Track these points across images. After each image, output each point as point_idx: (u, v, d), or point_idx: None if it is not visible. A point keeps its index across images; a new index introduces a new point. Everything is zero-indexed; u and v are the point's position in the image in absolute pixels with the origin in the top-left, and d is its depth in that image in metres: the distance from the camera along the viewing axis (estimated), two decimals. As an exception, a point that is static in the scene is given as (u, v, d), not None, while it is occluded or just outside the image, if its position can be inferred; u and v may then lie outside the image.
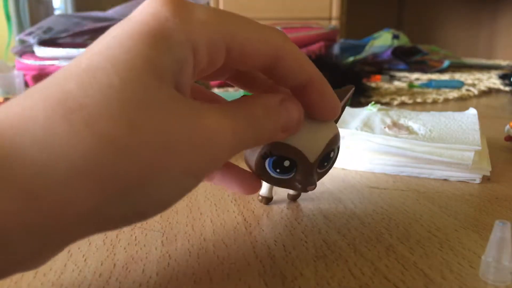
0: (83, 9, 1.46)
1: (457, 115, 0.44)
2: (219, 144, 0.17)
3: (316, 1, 1.54)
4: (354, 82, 0.67)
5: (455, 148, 0.34)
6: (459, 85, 0.92)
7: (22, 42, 0.96)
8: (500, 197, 0.31)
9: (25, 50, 0.90)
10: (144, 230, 0.25)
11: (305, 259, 0.22)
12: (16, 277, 0.20)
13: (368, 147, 0.36)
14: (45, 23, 0.90)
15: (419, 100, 0.77)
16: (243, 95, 0.21)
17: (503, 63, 1.53)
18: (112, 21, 0.90)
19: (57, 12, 1.97)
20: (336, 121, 0.25)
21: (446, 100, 0.79)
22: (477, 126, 0.39)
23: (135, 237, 0.25)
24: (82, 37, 0.93)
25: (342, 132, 0.38)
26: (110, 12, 0.93)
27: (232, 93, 0.78)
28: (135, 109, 0.14)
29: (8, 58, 1.19)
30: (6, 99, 0.60)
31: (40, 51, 0.85)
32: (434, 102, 0.77)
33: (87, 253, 0.23)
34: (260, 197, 0.29)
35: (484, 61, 1.58)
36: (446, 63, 1.25)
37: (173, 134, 0.15)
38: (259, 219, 0.27)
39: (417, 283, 0.20)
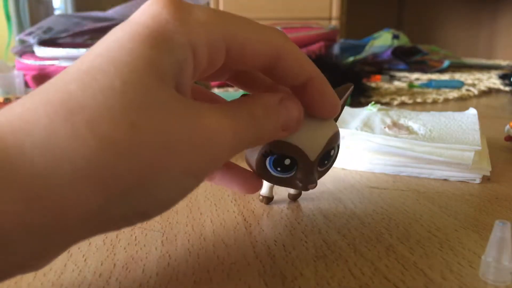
0: (83, 9, 1.46)
1: (457, 115, 0.44)
2: (219, 144, 0.17)
3: (316, 1, 1.54)
4: (354, 82, 0.67)
5: (455, 148, 0.34)
6: (459, 85, 0.92)
7: (22, 42, 0.96)
8: (500, 197, 0.31)
9: (25, 50, 0.90)
10: (144, 230, 0.25)
11: (305, 259, 0.22)
12: (16, 277, 0.20)
13: (368, 147, 0.36)
14: (45, 23, 0.90)
15: (419, 100, 0.77)
16: (243, 95, 0.21)
17: (503, 63, 1.53)
18: (112, 21, 0.90)
19: (57, 12, 1.97)
20: (336, 119, 0.25)
21: (446, 100, 0.79)
22: (477, 126, 0.39)
23: (135, 237, 0.25)
24: (82, 37, 0.93)
25: (342, 132, 0.38)
26: (110, 12, 0.93)
27: (232, 93, 0.79)
28: (136, 111, 0.15)
29: (8, 58, 1.19)
30: (6, 99, 0.60)
31: (40, 51, 0.85)
32: (434, 102, 0.77)
33: (87, 253, 0.23)
34: (261, 197, 0.29)
35: (484, 61, 1.58)
36: (446, 63, 1.25)
37: (173, 134, 0.15)
38: (259, 219, 0.27)
39: (417, 283, 0.20)
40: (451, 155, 0.34)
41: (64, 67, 0.84)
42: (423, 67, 1.23)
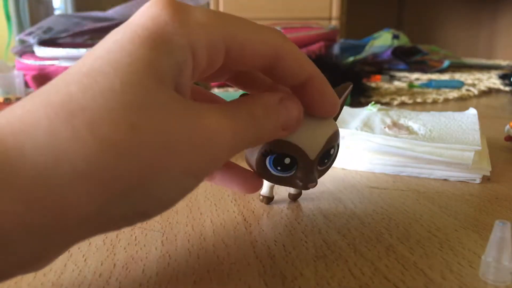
0: (83, 9, 1.46)
1: (457, 115, 0.44)
2: (219, 144, 0.17)
3: (316, 1, 1.54)
4: (354, 82, 0.67)
5: (455, 148, 0.34)
6: (459, 85, 0.92)
7: (22, 42, 0.96)
8: (500, 197, 0.31)
9: (25, 50, 0.90)
10: (144, 230, 0.25)
11: (305, 259, 0.22)
12: (16, 277, 0.20)
13: (368, 147, 0.36)
14: (45, 23, 0.90)
15: (419, 100, 0.77)
16: (242, 94, 0.21)
17: (503, 63, 1.53)
18: (112, 21, 0.90)
19: (57, 12, 1.97)
20: (336, 118, 0.25)
21: (446, 100, 0.79)
22: (477, 126, 0.39)
23: (135, 237, 0.25)
24: (82, 37, 0.93)
25: (342, 132, 0.38)
26: (110, 12, 0.93)
27: (232, 93, 0.79)
28: (136, 112, 0.15)
29: (8, 58, 1.19)
30: (6, 99, 0.60)
31: (40, 51, 0.85)
32: (434, 102, 0.77)
33: (87, 253, 0.23)
34: (261, 197, 0.29)
35: (484, 61, 1.58)
36: (446, 63, 1.25)
37: (173, 135, 0.15)
38: (259, 219, 0.27)
39: (417, 283, 0.20)
40: (451, 155, 0.34)
41: (64, 67, 0.84)
42: (423, 67, 1.23)
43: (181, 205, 0.29)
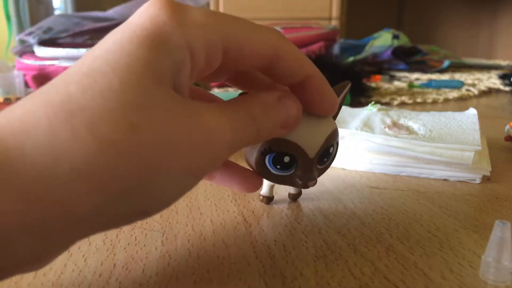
0: (83, 9, 1.45)
1: (457, 115, 0.44)
2: (218, 143, 0.17)
3: (316, 1, 1.54)
4: (354, 82, 0.67)
5: (455, 148, 0.34)
6: (459, 85, 0.92)
7: (22, 42, 0.96)
8: (500, 197, 0.31)
9: (25, 50, 0.90)
10: (144, 230, 0.25)
11: (305, 259, 0.22)
12: (16, 277, 0.20)
13: (368, 147, 0.36)
14: (45, 23, 0.90)
15: (419, 100, 0.77)
16: (241, 93, 0.21)
17: (503, 63, 1.53)
18: (112, 21, 0.90)
19: (57, 12, 1.97)
20: (335, 117, 0.25)
21: (446, 100, 0.79)
22: (477, 126, 0.39)
23: (135, 237, 0.25)
24: (82, 37, 0.93)
25: (342, 132, 0.38)
26: (110, 12, 0.93)
27: (232, 93, 0.78)
28: (135, 112, 0.15)
29: (8, 58, 1.19)
30: (6, 99, 0.60)
31: (40, 51, 0.85)
32: (434, 102, 0.77)
33: (87, 253, 0.23)
34: (261, 197, 0.29)
35: (484, 61, 1.58)
36: (446, 63, 1.25)
37: (173, 134, 0.15)
38: (259, 219, 0.27)
39: (417, 283, 0.20)
40: (451, 155, 0.34)
41: (64, 67, 0.84)
42: (423, 67, 1.23)
43: (181, 205, 0.29)
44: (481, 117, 0.44)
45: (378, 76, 1.01)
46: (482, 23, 2.10)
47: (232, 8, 1.52)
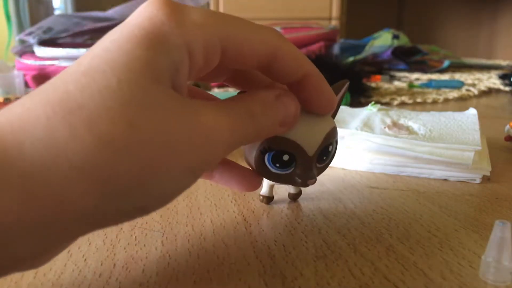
0: (83, 9, 1.45)
1: (457, 115, 0.44)
2: (216, 141, 0.17)
3: (316, 1, 1.54)
4: (354, 82, 0.67)
5: (455, 148, 0.34)
6: (459, 85, 0.92)
7: (22, 42, 0.96)
8: (500, 197, 0.31)
9: (25, 50, 0.90)
10: (144, 230, 0.25)
11: (305, 259, 0.22)
12: (16, 277, 0.20)
13: (368, 147, 0.36)
14: (45, 23, 0.90)
15: (419, 100, 0.77)
16: (239, 92, 0.21)
17: (503, 63, 1.53)
18: (112, 21, 0.90)
19: (57, 12, 1.97)
20: (334, 116, 0.25)
21: (446, 100, 0.79)
22: (477, 126, 0.39)
23: (135, 237, 0.25)
24: (82, 37, 0.93)
25: (342, 132, 0.38)
26: (110, 12, 0.93)
27: (232, 92, 0.79)
28: (134, 110, 0.15)
29: (8, 58, 1.19)
30: (6, 99, 0.60)
31: (40, 51, 0.85)
32: (434, 102, 0.77)
33: (87, 253, 0.23)
34: (261, 197, 0.29)
35: (484, 61, 1.58)
36: (446, 63, 1.25)
37: (172, 133, 0.15)
38: (259, 219, 0.27)
39: (417, 283, 0.20)
40: (451, 155, 0.34)
41: (64, 67, 0.84)
42: (423, 67, 1.23)
43: (181, 205, 0.29)
44: (481, 117, 0.44)
45: (378, 76, 1.01)
46: (482, 23, 2.10)
47: (232, 8, 1.52)
